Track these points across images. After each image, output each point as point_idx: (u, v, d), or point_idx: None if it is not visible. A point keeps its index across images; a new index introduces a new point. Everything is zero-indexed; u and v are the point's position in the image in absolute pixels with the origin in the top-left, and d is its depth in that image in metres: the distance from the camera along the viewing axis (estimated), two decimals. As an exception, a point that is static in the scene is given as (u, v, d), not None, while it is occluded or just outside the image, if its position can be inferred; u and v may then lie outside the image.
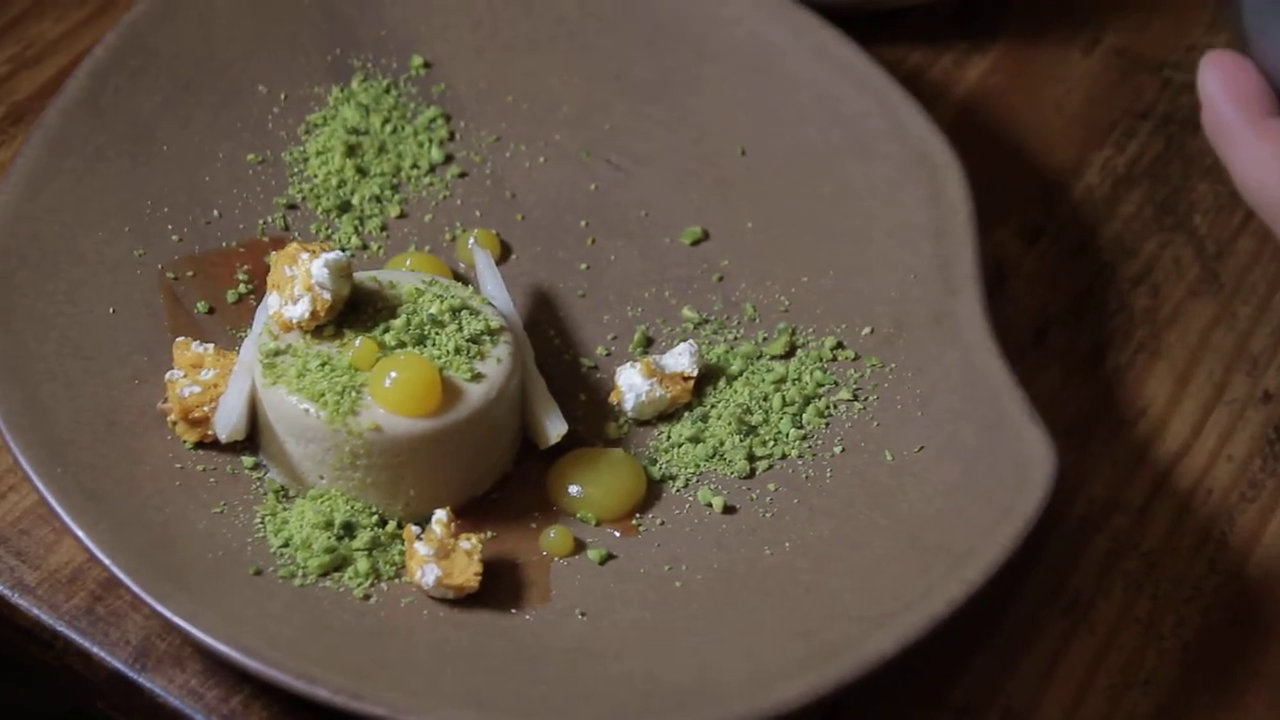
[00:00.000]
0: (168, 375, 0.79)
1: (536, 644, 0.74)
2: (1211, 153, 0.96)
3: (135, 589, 0.72)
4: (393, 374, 0.76)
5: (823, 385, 0.84)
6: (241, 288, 0.85)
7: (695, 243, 0.89)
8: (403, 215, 0.89)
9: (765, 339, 0.86)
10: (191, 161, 0.88)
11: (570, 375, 0.84)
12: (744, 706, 0.71)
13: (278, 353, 0.78)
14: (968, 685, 0.78)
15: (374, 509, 0.77)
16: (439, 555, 0.75)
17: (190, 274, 0.84)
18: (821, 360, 0.85)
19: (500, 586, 0.76)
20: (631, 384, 0.82)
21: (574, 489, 0.80)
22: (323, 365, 0.77)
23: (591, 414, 0.83)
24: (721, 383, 0.84)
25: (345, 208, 0.89)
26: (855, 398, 0.83)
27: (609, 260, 0.89)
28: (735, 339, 0.86)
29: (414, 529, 0.76)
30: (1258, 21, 0.65)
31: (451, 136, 0.92)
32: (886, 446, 0.81)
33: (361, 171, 0.90)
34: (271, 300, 0.79)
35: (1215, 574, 0.82)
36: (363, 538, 0.76)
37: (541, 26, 0.95)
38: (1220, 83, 0.65)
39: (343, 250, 0.85)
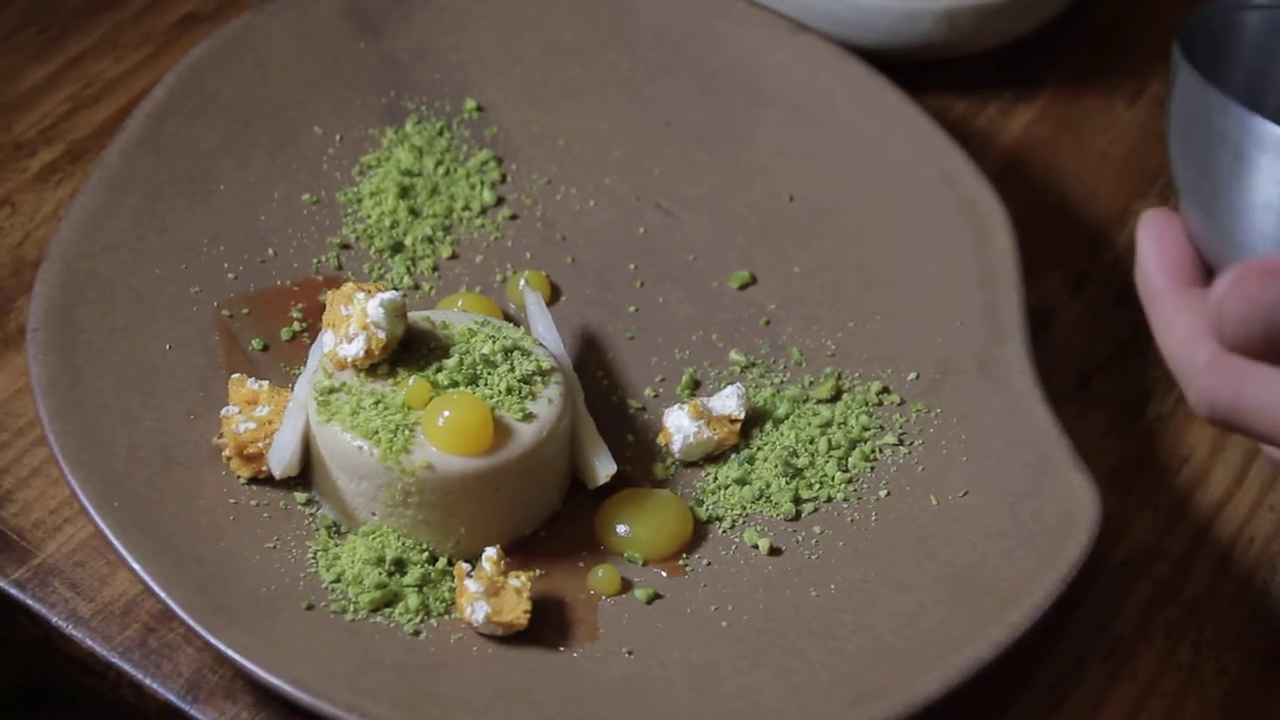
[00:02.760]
0: (223, 411, 0.80)
1: (584, 682, 0.75)
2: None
3: (189, 621, 0.73)
4: (446, 413, 0.77)
5: (868, 429, 0.84)
6: (295, 325, 0.86)
7: (743, 287, 0.90)
8: (454, 256, 0.90)
9: (812, 383, 0.87)
10: (248, 201, 0.89)
11: (618, 416, 0.85)
12: (789, 747, 0.72)
13: (332, 390, 0.79)
14: (1011, 728, 0.79)
15: (425, 546, 0.78)
16: (489, 592, 0.76)
17: (245, 311, 0.86)
18: (867, 404, 0.85)
19: (548, 624, 0.77)
20: (679, 425, 0.83)
21: (622, 529, 0.81)
22: (376, 403, 0.78)
23: (639, 455, 0.84)
24: (768, 425, 0.85)
25: (398, 248, 0.90)
26: (901, 442, 0.84)
27: (657, 303, 0.90)
28: (782, 382, 0.87)
29: (464, 566, 0.77)
30: (1185, 182, 0.67)
31: (503, 179, 0.94)
32: (931, 491, 0.82)
33: (414, 212, 0.91)
34: (326, 338, 0.80)
35: (1257, 622, 0.83)
36: (413, 574, 0.77)
37: (593, 72, 0.96)
38: (1152, 243, 0.66)
39: (395, 290, 0.86)
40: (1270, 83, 0.73)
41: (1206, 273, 0.66)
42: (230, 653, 0.72)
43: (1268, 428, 0.61)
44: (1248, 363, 0.61)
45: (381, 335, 0.79)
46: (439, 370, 0.79)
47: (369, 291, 0.80)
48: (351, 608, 0.76)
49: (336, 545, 0.78)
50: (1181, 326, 0.64)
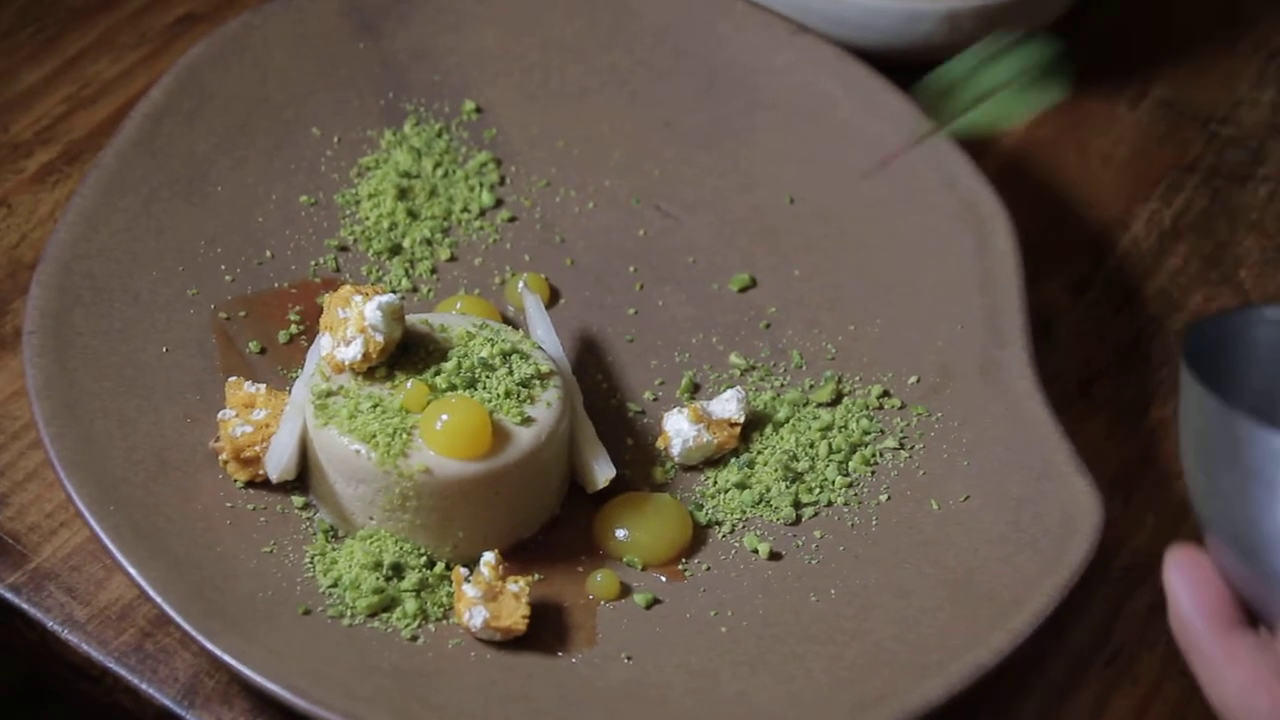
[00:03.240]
0: (220, 415, 0.80)
1: (583, 687, 0.75)
2: (1258, 207, 0.96)
3: (185, 626, 0.72)
4: (444, 417, 0.77)
5: (869, 433, 0.84)
6: (293, 328, 0.85)
7: (743, 290, 0.90)
8: (453, 258, 0.90)
9: (812, 386, 0.86)
10: (245, 203, 0.88)
11: (618, 420, 0.85)
12: (789, 753, 0.71)
13: (329, 394, 0.79)
14: (1012, 735, 0.78)
15: (423, 550, 0.78)
16: (487, 597, 0.75)
17: (243, 314, 0.85)
18: (868, 408, 0.85)
19: (547, 629, 0.77)
20: (679, 429, 0.83)
21: (621, 533, 0.80)
22: (374, 407, 0.78)
23: (639, 459, 0.84)
24: (768, 429, 0.84)
25: (396, 250, 0.89)
26: (901, 446, 0.83)
27: (657, 306, 0.89)
28: (782, 386, 0.86)
29: (462, 571, 0.77)
30: (1210, 511, 0.64)
31: (502, 181, 0.93)
32: (932, 495, 0.81)
33: (412, 215, 0.91)
34: (324, 341, 0.80)
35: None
36: (411, 579, 0.77)
37: (593, 73, 0.96)
38: (1186, 588, 0.64)
39: (393, 292, 0.85)
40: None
41: (1243, 607, 0.64)
42: (226, 658, 0.72)
43: None
44: None
45: (379, 338, 0.78)
46: (437, 373, 0.79)
47: (366, 294, 0.79)
48: (349, 612, 0.76)
49: (334, 549, 0.78)
50: (1235, 677, 0.62)
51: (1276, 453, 0.61)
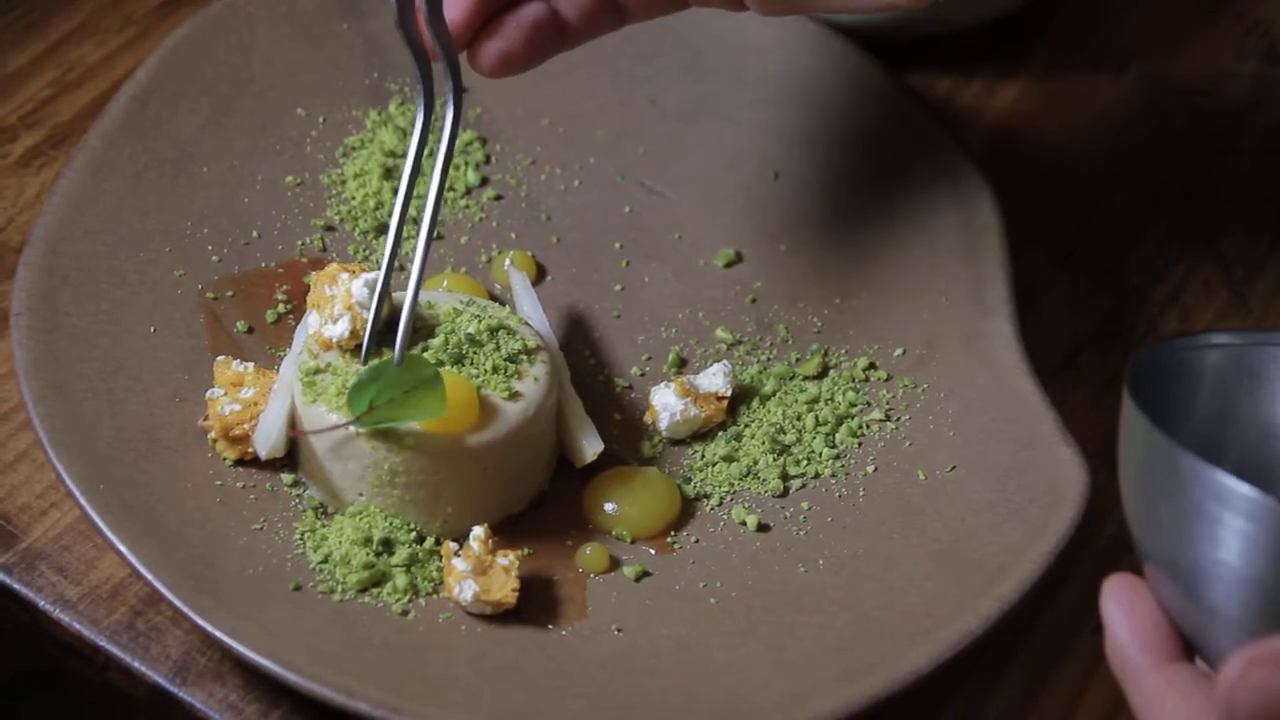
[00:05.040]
0: (208, 393, 0.80)
1: (573, 659, 0.75)
2: (1241, 178, 0.97)
3: (176, 604, 0.73)
4: (431, 392, 0.77)
5: (855, 405, 0.84)
6: (280, 307, 0.86)
7: (729, 265, 0.90)
8: (439, 237, 0.90)
9: (798, 360, 0.87)
10: (231, 183, 0.89)
11: (605, 395, 0.85)
12: (779, 722, 0.72)
13: (317, 371, 0.79)
14: (1000, 704, 0.79)
15: (412, 526, 0.78)
16: (477, 571, 0.76)
17: (230, 294, 0.85)
18: (854, 381, 0.85)
19: (537, 603, 0.77)
20: (666, 403, 0.83)
21: (609, 507, 0.80)
22: (362, 383, 0.78)
23: (626, 433, 0.84)
24: (755, 403, 0.84)
25: (382, 229, 0.90)
26: (888, 418, 0.84)
27: (643, 282, 0.90)
28: (768, 359, 0.87)
29: (452, 545, 0.77)
30: (1148, 542, 0.64)
31: (488, 160, 0.93)
32: (919, 466, 0.81)
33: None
34: (311, 319, 0.80)
35: (1246, 594, 0.83)
36: (401, 554, 0.77)
37: (577, 51, 0.95)
38: (1123, 617, 0.63)
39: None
40: (1231, 431, 0.69)
41: (1182, 640, 0.63)
42: (218, 634, 0.72)
43: None
44: None
45: (366, 315, 0.79)
46: (424, 350, 0.79)
47: (353, 272, 0.80)
48: (339, 588, 0.76)
49: (324, 526, 0.78)
50: (1171, 710, 0.60)
51: (1219, 489, 0.60)
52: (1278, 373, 0.69)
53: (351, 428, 0.77)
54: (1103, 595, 0.63)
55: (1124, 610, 0.63)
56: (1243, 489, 0.59)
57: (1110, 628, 0.63)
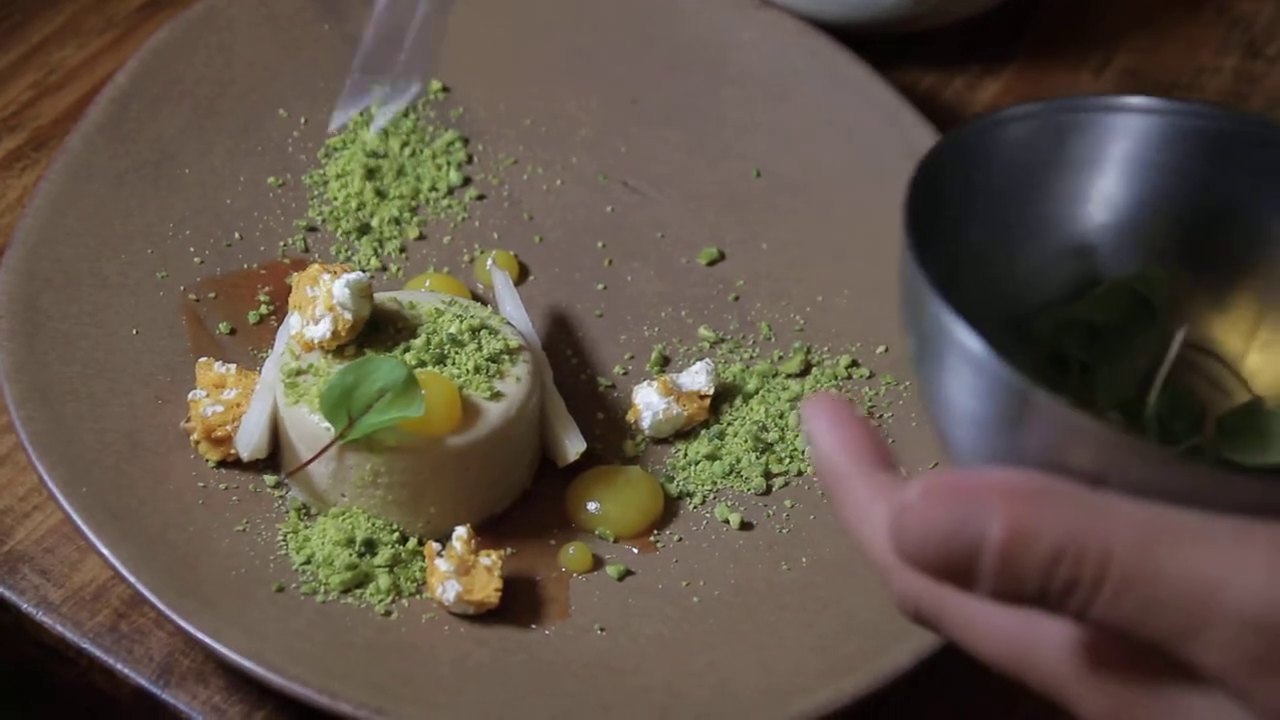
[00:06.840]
0: (191, 395, 0.80)
1: (556, 659, 0.75)
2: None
3: (159, 606, 0.73)
4: (413, 393, 0.77)
5: (838, 403, 0.84)
6: (263, 309, 0.86)
7: (711, 263, 0.90)
8: (421, 237, 0.90)
9: (781, 357, 0.87)
10: (213, 185, 0.89)
11: (588, 394, 0.85)
12: (762, 720, 0.72)
13: (299, 372, 0.79)
14: (983, 701, 0.79)
15: (395, 526, 0.78)
16: (460, 572, 0.76)
17: (212, 295, 0.85)
18: (837, 378, 0.85)
19: (520, 603, 0.77)
20: (649, 402, 0.83)
21: (592, 506, 0.81)
22: (344, 384, 0.78)
23: (609, 432, 0.84)
24: (738, 401, 0.85)
25: (365, 230, 0.90)
26: (870, 415, 0.84)
27: (626, 281, 0.90)
28: (751, 358, 0.87)
29: (435, 546, 0.77)
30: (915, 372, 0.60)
31: (470, 159, 0.93)
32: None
33: (380, 194, 0.91)
34: (293, 321, 0.80)
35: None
36: (384, 555, 0.77)
37: (559, 51, 0.96)
38: (828, 429, 0.59)
39: (363, 271, 0.86)
40: (1019, 217, 0.63)
41: (886, 453, 0.59)
42: (201, 636, 0.72)
43: (970, 643, 0.57)
44: None
45: (348, 316, 0.79)
46: (406, 350, 0.79)
47: (335, 273, 0.80)
48: (322, 589, 0.76)
49: (306, 527, 0.78)
50: (881, 515, 0.56)
51: (941, 324, 0.56)
52: (1081, 140, 0.63)
53: (331, 432, 0.77)
54: (803, 411, 0.60)
55: (826, 421, 0.59)
56: (972, 344, 0.55)
57: (815, 441, 0.59)
